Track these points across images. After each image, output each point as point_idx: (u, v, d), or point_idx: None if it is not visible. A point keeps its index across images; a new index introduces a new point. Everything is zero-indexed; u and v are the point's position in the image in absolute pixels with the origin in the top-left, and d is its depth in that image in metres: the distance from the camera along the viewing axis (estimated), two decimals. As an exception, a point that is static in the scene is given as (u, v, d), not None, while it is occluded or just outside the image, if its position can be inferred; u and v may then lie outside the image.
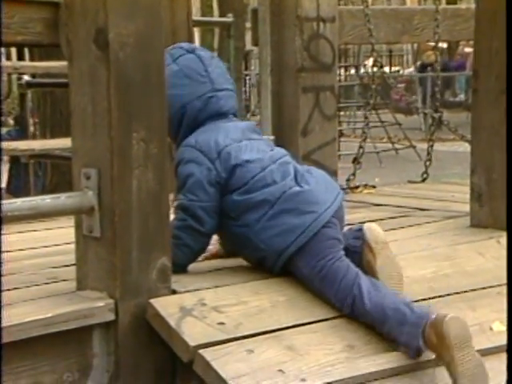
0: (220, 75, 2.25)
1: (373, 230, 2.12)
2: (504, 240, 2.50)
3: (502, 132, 2.52)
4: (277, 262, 2.10)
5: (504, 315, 2.07)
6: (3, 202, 1.91)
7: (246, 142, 2.18)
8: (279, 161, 2.17)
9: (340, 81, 11.71)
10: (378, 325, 1.96)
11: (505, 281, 2.32)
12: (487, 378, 1.80)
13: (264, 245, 2.09)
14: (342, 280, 2.02)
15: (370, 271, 2.07)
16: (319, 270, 2.05)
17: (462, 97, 13.34)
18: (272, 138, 2.91)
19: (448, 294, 2.19)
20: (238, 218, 2.12)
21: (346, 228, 2.21)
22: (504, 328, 2.09)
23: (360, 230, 2.15)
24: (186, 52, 2.27)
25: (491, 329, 2.10)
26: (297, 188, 2.10)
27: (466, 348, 1.78)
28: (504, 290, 2.27)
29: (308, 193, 2.10)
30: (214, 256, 2.29)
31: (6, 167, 5.40)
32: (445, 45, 12.76)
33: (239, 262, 2.25)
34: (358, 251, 2.12)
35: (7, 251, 2.52)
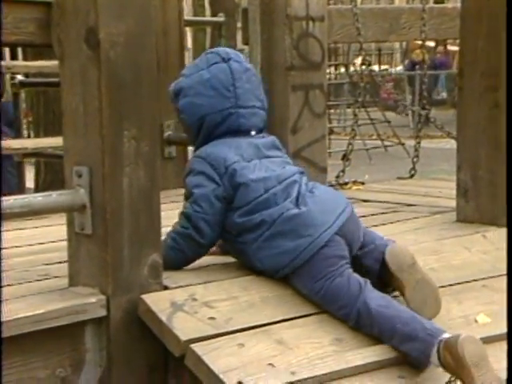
0: (248, 91, 2.18)
1: (396, 256, 2.01)
2: (490, 234, 2.52)
3: (487, 129, 2.54)
4: (274, 277, 2.09)
5: (489, 307, 2.08)
6: (-4, 199, 1.93)
7: (257, 160, 2.14)
8: (286, 181, 2.11)
9: (330, 79, 11.73)
10: (386, 338, 1.92)
11: (490, 274, 2.34)
12: None
13: (260, 264, 2.09)
14: (344, 296, 1.97)
15: (401, 298, 2.01)
16: (318, 291, 2.01)
17: (444, 95, 13.34)
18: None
19: (435, 288, 2.20)
20: (238, 235, 2.11)
21: (361, 242, 2.11)
22: (488, 320, 2.10)
23: (381, 252, 2.05)
24: (220, 60, 2.19)
25: (476, 321, 2.10)
26: (294, 210, 2.06)
27: (483, 366, 1.76)
28: (489, 283, 2.29)
29: (305, 216, 2.04)
30: (212, 254, 2.26)
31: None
32: (432, 43, 12.77)
33: (230, 258, 2.25)
34: (381, 276, 2.05)
35: (2, 249, 2.54)
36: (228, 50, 2.27)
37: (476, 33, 2.53)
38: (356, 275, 2.03)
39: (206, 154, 2.14)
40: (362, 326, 1.96)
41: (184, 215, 2.13)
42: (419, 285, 2.00)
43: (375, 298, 1.96)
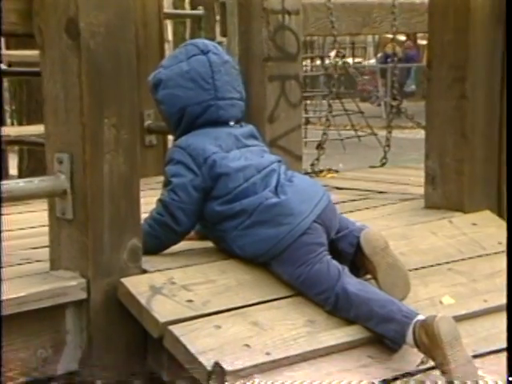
0: (227, 83, 2.15)
1: (370, 240, 2.03)
2: (456, 220, 2.53)
3: (454, 118, 2.55)
4: (254, 262, 2.08)
5: (453, 289, 2.10)
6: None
7: (236, 150, 2.12)
8: (265, 170, 2.10)
9: (306, 71, 11.75)
10: (362, 320, 1.93)
11: (455, 258, 2.36)
12: (477, 373, 1.80)
13: (240, 250, 2.08)
14: (323, 282, 1.98)
15: (372, 280, 2.02)
16: (298, 277, 2.01)
17: (413, 87, 13.40)
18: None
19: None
20: (218, 223, 2.10)
21: (336, 227, 2.11)
22: (452, 301, 2.11)
23: (355, 237, 2.06)
24: (200, 52, 2.16)
25: (441, 302, 2.12)
26: (274, 200, 2.04)
27: (456, 345, 1.77)
28: (454, 266, 2.31)
29: (284, 204, 2.04)
30: (190, 239, 2.24)
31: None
32: (403, 37, 12.82)
33: (208, 243, 2.23)
34: (354, 260, 2.05)
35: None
36: (207, 41, 2.24)
37: (443, 27, 2.53)
38: (334, 261, 2.02)
39: (186, 144, 2.12)
40: (340, 310, 1.96)
41: (161, 203, 2.11)
42: (390, 268, 2.01)
43: (353, 283, 1.97)
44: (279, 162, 2.18)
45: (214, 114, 2.14)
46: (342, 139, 9.16)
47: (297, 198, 2.05)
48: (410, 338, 1.84)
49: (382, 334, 1.90)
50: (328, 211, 2.09)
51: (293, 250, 2.01)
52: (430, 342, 1.78)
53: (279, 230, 2.02)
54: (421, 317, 1.86)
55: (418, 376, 1.84)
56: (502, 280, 2.29)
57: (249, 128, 2.24)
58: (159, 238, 2.12)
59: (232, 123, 2.18)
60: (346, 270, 2.01)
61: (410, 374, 1.85)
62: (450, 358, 1.75)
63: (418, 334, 1.81)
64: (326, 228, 2.06)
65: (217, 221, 2.09)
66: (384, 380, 1.82)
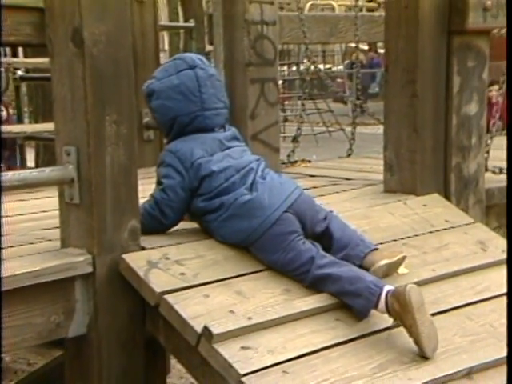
0: (212, 95, 2.12)
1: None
2: (409, 202, 2.53)
3: (407, 114, 2.54)
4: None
5: (407, 261, 2.09)
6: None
7: (219, 153, 2.10)
8: (244, 170, 2.08)
9: (284, 76, 11.73)
10: (335, 294, 1.92)
11: (409, 234, 2.35)
12: (437, 333, 1.81)
13: (221, 238, 2.07)
14: (298, 265, 1.95)
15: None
16: (275, 263, 2.00)
17: (376, 89, 13.47)
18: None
19: (366, 246, 2.20)
20: (202, 215, 2.09)
21: (314, 217, 2.05)
22: (406, 271, 2.12)
23: (362, 253, 1.99)
24: (187, 67, 2.12)
25: (397, 272, 2.11)
26: (247, 196, 2.03)
27: (422, 310, 1.78)
28: (408, 241, 2.31)
29: (255, 200, 2.02)
30: (185, 220, 2.19)
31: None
32: (366, 47, 12.80)
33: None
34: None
35: (5, 216, 2.48)
36: (194, 56, 2.20)
37: (397, 36, 2.52)
38: (308, 245, 1.99)
39: (176, 149, 2.10)
40: (315, 286, 1.95)
41: (153, 199, 2.10)
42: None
43: (326, 263, 1.94)
44: (257, 160, 2.16)
45: (201, 123, 2.12)
46: (315, 134, 9.18)
47: (267, 194, 2.04)
48: (382, 305, 1.83)
49: (351, 306, 1.90)
50: (300, 202, 2.06)
51: (267, 239, 2.00)
52: (402, 309, 1.78)
53: (252, 222, 2.01)
54: (389, 287, 1.85)
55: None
56: (448, 252, 2.31)
57: (232, 131, 2.21)
58: (148, 226, 2.10)
59: (216, 129, 2.16)
60: (321, 250, 1.99)
61: (373, 333, 1.85)
62: (418, 321, 1.76)
63: (390, 302, 1.81)
64: (299, 217, 2.04)
65: (201, 214, 2.09)
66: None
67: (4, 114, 5.80)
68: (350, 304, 1.89)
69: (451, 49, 2.53)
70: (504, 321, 2.01)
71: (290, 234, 2.00)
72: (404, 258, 2.05)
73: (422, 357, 1.81)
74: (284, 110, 10.27)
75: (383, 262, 1.99)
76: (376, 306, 1.86)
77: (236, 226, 2.03)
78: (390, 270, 2.03)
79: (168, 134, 2.17)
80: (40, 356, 3.55)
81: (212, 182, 2.06)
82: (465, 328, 1.97)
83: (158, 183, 2.11)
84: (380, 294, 1.85)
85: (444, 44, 2.52)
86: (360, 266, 1.99)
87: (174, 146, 2.11)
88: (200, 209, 2.08)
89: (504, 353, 1.86)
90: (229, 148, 2.14)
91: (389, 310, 1.82)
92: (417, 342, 1.79)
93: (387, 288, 1.85)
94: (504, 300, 2.10)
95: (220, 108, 2.16)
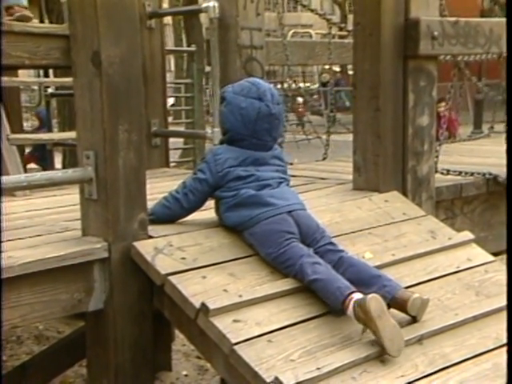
0: (265, 130, 2.02)
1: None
2: (374, 198, 2.52)
3: (372, 125, 2.52)
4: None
5: (372, 247, 2.08)
6: (27, 174, 1.89)
7: (251, 167, 2.03)
8: (264, 182, 2.03)
9: (271, 93, 11.61)
10: (314, 290, 1.86)
11: (373, 225, 2.34)
12: (402, 336, 1.75)
13: (224, 219, 2.05)
14: (287, 262, 1.90)
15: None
16: (269, 256, 1.96)
17: (347, 104, 13.48)
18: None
19: (338, 235, 2.19)
20: (219, 200, 2.07)
21: (314, 232, 1.96)
22: (371, 256, 2.10)
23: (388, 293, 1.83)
24: (257, 97, 2.01)
25: (364, 257, 2.10)
26: (254, 192, 2.00)
27: (384, 317, 1.71)
28: (373, 231, 2.30)
29: (260, 197, 1.99)
30: None
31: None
32: (338, 68, 12.80)
33: (197, 216, 2.17)
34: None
35: (35, 210, 2.45)
36: (268, 89, 2.05)
37: (363, 59, 2.51)
38: (301, 246, 1.93)
39: (217, 152, 2.06)
40: (298, 280, 1.89)
41: (183, 182, 2.10)
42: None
43: (310, 265, 1.87)
44: (281, 178, 2.08)
45: (248, 145, 2.05)
46: (296, 141, 9.16)
47: (272, 196, 2.00)
48: (351, 312, 1.77)
49: (326, 302, 1.85)
50: (301, 214, 2.00)
51: (264, 234, 1.95)
52: (365, 316, 1.73)
53: (252, 212, 1.98)
54: (358, 296, 1.77)
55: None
56: (405, 240, 2.30)
57: (275, 152, 2.11)
58: (169, 208, 2.08)
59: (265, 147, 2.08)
60: (311, 253, 1.92)
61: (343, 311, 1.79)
62: (379, 327, 1.71)
63: (356, 311, 1.75)
64: (298, 225, 1.98)
65: (218, 198, 2.08)
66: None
67: (37, 124, 5.75)
68: (324, 299, 1.84)
69: (407, 70, 2.52)
70: (450, 295, 2.03)
71: (286, 233, 1.94)
72: (428, 300, 1.89)
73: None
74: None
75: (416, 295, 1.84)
76: (345, 312, 1.78)
77: (238, 213, 2.01)
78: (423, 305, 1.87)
79: (224, 135, 2.13)
80: (68, 326, 3.53)
81: (233, 183, 2.03)
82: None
83: (194, 173, 2.10)
84: (348, 296, 1.77)
85: (401, 66, 2.52)
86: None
87: (218, 150, 2.08)
88: (218, 195, 2.08)
89: (449, 321, 1.88)
90: (263, 165, 2.07)
91: (356, 318, 1.76)
92: (381, 344, 1.72)
93: (357, 296, 1.77)
94: (450, 278, 2.11)
95: (268, 141, 2.07)
